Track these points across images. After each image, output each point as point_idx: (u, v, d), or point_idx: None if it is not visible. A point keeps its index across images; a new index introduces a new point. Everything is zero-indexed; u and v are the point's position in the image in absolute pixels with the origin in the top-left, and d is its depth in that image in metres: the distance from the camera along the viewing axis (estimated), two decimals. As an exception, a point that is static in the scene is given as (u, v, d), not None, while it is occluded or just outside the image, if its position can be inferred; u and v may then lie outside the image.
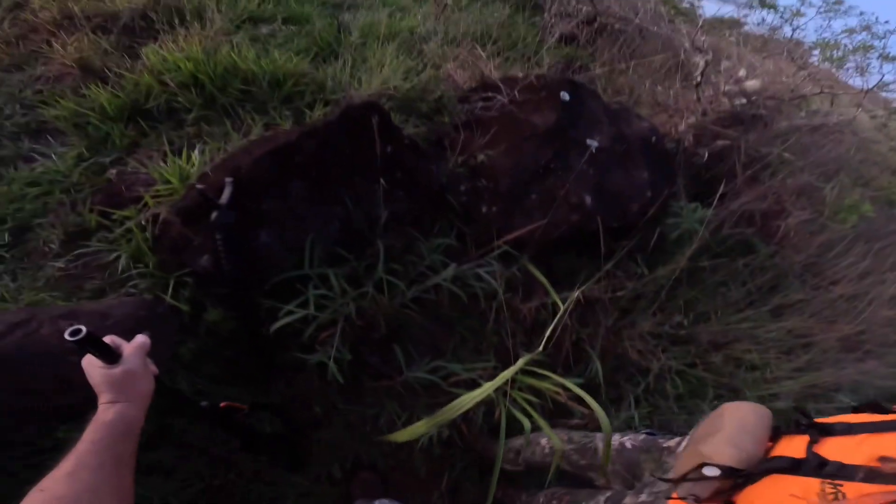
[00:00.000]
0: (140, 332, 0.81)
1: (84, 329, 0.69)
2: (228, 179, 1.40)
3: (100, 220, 1.58)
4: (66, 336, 0.68)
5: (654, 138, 2.27)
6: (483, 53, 2.09)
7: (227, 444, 1.41)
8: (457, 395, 1.51)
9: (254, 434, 1.20)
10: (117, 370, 0.72)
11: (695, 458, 0.82)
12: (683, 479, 0.82)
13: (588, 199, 1.82)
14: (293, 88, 1.86)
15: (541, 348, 1.38)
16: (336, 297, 1.37)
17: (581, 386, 1.53)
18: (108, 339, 0.75)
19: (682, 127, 2.47)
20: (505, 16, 2.88)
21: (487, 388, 1.12)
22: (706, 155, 2.45)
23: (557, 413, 1.57)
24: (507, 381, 1.38)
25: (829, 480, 0.64)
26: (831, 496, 0.63)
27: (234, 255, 1.37)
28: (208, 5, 2.15)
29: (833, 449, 0.70)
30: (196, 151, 1.65)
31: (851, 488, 0.62)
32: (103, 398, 0.69)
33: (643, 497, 1.00)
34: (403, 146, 1.64)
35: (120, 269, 1.47)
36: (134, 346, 0.77)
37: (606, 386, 1.81)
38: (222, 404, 1.04)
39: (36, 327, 1.28)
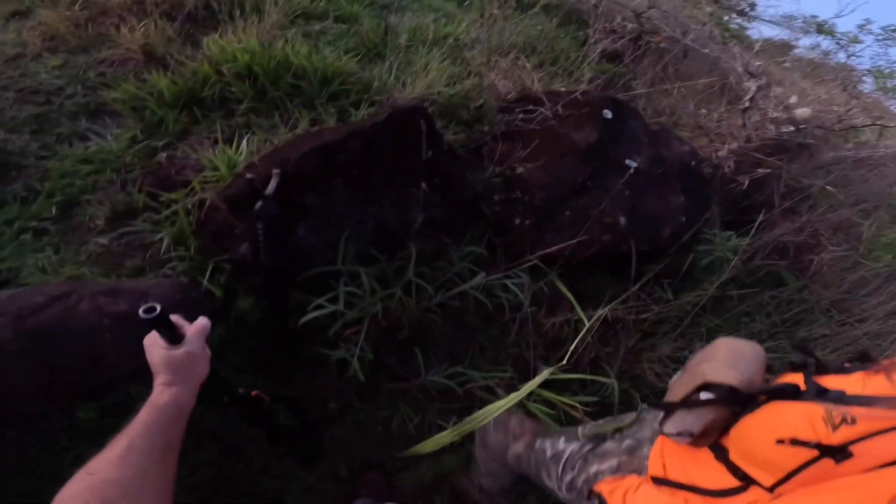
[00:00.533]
0: (175, 314, 0.78)
1: (159, 307, 0.68)
2: (276, 171, 1.44)
3: (147, 200, 1.64)
4: (141, 313, 0.68)
5: (693, 162, 2.24)
6: (528, 65, 2.10)
7: (244, 433, 1.43)
8: (471, 402, 1.53)
9: (276, 426, 1.21)
10: (179, 352, 0.71)
11: (692, 380, 0.79)
12: (682, 404, 0.79)
13: (622, 220, 1.81)
14: (340, 86, 1.90)
15: (563, 362, 1.39)
16: (365, 296, 1.41)
17: (595, 403, 1.53)
18: (174, 318, 0.74)
19: (722, 152, 2.43)
20: (549, 28, 2.88)
21: (514, 398, 1.13)
22: (746, 183, 2.40)
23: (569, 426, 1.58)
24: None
25: (833, 406, 0.63)
26: (838, 419, 0.61)
27: (273, 246, 1.41)
28: (266, -2, 2.21)
29: (832, 382, 0.69)
30: (244, 141, 1.71)
31: (861, 412, 0.60)
32: (160, 379, 0.68)
33: (627, 442, 0.98)
34: (443, 152, 1.66)
35: (161, 250, 1.52)
36: (196, 329, 0.76)
37: (619, 405, 1.81)
38: (253, 393, 1.04)
39: (75, 302, 1.30)
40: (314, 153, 1.52)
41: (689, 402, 0.78)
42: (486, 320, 1.52)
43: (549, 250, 1.57)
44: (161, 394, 0.67)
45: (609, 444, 1.01)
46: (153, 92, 1.86)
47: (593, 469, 0.98)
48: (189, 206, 1.57)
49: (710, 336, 2.11)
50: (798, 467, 0.63)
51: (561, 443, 1.09)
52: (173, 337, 0.72)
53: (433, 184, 1.61)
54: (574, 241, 1.62)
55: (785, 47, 4.97)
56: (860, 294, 2.56)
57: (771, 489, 0.67)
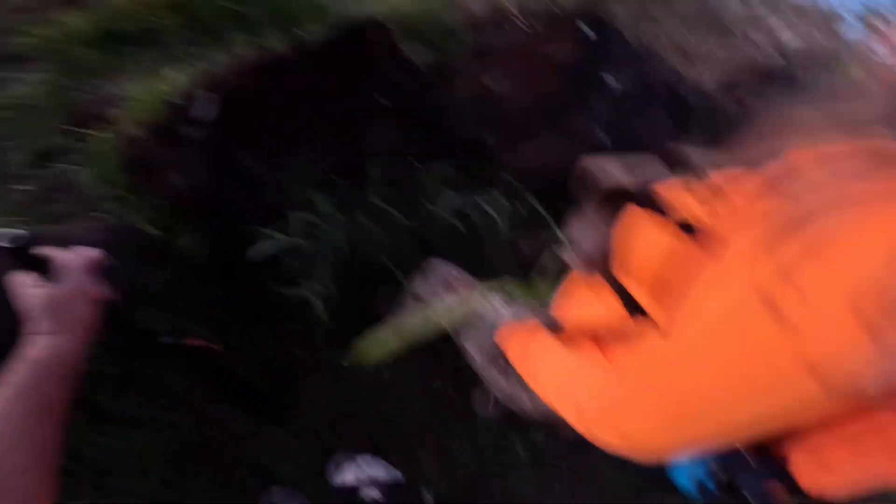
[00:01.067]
0: (100, 255, 0.67)
1: (27, 234, 0.58)
2: (212, 96, 1.28)
3: (70, 142, 1.46)
4: (2, 242, 0.57)
5: (677, 87, 2.12)
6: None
7: (211, 395, 1.27)
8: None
9: (229, 380, 1.06)
10: (57, 291, 0.58)
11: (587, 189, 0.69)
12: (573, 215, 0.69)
13: (603, 142, 1.68)
14: (287, 7, 1.70)
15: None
16: (324, 224, 1.25)
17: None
18: (47, 250, 0.61)
19: (707, 79, 2.31)
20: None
21: (471, 298, 0.96)
22: (731, 110, 2.30)
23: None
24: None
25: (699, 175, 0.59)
26: (702, 187, 0.56)
27: (213, 176, 1.26)
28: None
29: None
30: (175, 71, 1.51)
31: (727, 178, 0.55)
32: (35, 326, 0.56)
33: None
34: (406, 71, 1.50)
35: (88, 190, 1.36)
36: (79, 262, 0.63)
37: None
38: (188, 341, 0.90)
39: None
40: (256, 75, 1.37)
41: (580, 210, 0.69)
42: (460, 245, 1.38)
43: (525, 169, 1.43)
44: (35, 345, 0.54)
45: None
46: (69, 33, 1.65)
47: (503, 317, 0.86)
48: (116, 143, 1.39)
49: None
50: (667, 262, 0.52)
51: (502, 308, 0.92)
52: (41, 272, 0.59)
53: (397, 104, 1.45)
54: (553, 160, 1.48)
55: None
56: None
57: (655, 323, 0.54)
